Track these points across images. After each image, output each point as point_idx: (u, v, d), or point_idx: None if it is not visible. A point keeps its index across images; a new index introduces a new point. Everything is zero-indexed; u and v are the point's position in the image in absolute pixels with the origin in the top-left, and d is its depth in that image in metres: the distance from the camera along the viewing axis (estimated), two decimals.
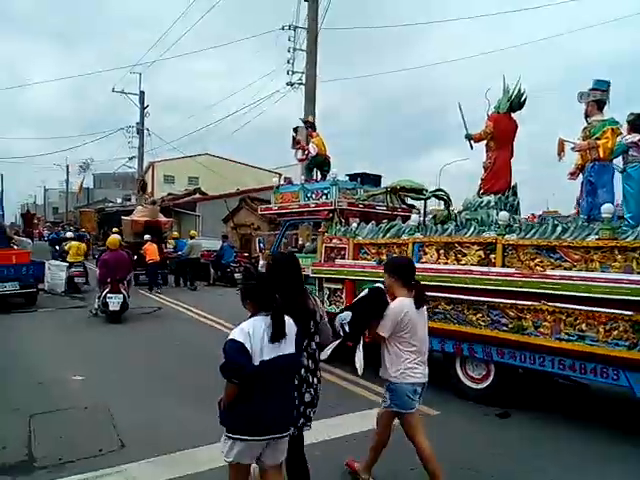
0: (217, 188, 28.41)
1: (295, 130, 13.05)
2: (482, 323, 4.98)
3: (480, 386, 5.25)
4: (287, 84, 14.98)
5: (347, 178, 8.04)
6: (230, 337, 2.51)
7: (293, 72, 14.78)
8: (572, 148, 5.10)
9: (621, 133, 4.81)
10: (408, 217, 6.81)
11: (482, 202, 5.86)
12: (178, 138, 56.33)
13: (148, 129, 25.79)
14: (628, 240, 4.13)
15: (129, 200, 27.32)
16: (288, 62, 14.85)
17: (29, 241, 14.70)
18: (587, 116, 4.97)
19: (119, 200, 22.18)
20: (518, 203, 5.94)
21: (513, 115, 5.86)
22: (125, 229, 15.68)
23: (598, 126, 4.83)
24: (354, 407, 4.99)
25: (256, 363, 2.46)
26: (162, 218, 16.25)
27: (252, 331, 2.50)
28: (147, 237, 13.68)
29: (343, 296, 6.44)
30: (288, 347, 2.59)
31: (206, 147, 28.84)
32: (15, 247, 11.69)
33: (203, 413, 4.44)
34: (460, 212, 6.03)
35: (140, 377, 6.08)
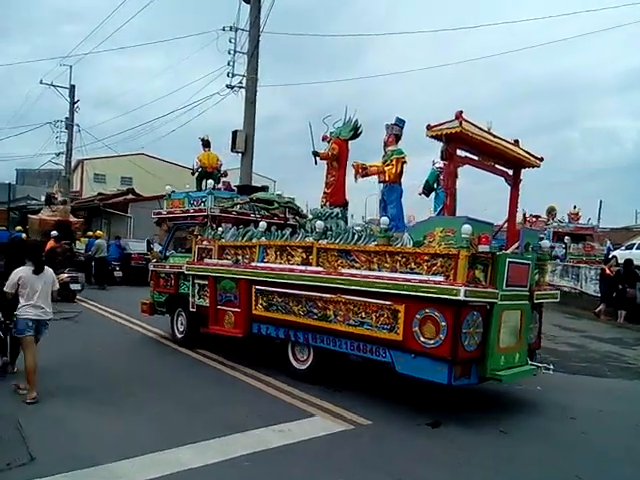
0: (152, 190, 28.72)
1: (234, 134, 14.01)
2: (301, 313, 6.20)
3: (304, 367, 6.46)
4: (227, 86, 15.03)
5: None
6: None
7: (233, 75, 14.87)
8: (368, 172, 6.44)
9: (405, 162, 6.19)
10: (294, 225, 8.03)
11: (332, 213, 7.06)
12: (111, 135, 55.26)
13: (78, 125, 26.01)
14: (396, 246, 5.45)
15: (54, 198, 27.35)
16: (229, 64, 14.90)
17: None
18: (385, 145, 6.32)
19: (43, 198, 22.29)
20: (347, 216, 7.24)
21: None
22: (32, 227, 16.29)
23: (389, 155, 6.18)
24: (286, 417, 5.08)
25: None
26: (73, 218, 16.88)
27: None
28: (53, 233, 14.16)
29: (208, 290, 7.55)
30: None
31: (141, 147, 29.13)
32: None
33: (123, 424, 4.68)
34: (310, 220, 7.21)
35: (56, 386, 5.71)
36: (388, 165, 6.10)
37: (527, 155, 6.28)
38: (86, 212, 28.12)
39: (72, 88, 26.19)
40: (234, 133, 13.72)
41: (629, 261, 13.97)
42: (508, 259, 5.31)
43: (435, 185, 6.70)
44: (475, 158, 5.85)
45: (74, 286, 12.68)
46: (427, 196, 6.72)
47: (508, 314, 5.40)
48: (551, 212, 27.32)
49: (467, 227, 4.88)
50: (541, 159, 6.44)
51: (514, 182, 6.47)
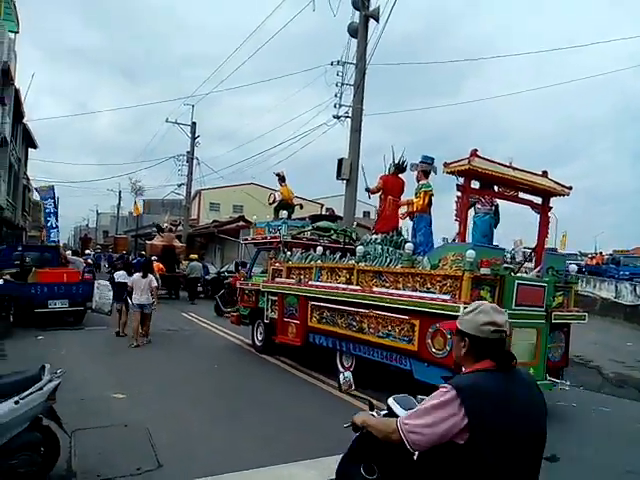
0: (261, 217, 31.65)
1: (340, 162, 15.56)
2: (344, 325, 7.44)
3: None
4: (334, 117, 16.11)
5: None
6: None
7: (340, 105, 15.83)
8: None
9: (432, 194, 7.19)
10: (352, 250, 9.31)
11: (373, 239, 8.31)
12: (226, 167, 61.76)
13: (198, 158, 29.64)
14: (416, 269, 6.51)
15: (176, 226, 31.46)
16: (336, 96, 15.97)
17: (82, 261, 18.29)
18: (418, 180, 7.37)
19: (166, 225, 26.08)
20: (402, 241, 8.28)
21: (401, 175, 8.35)
22: (147, 251, 19.96)
23: (418, 188, 7.24)
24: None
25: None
26: (177, 243, 20.41)
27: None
28: (153, 258, 17.35)
29: (277, 304, 9.11)
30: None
31: (252, 177, 32.38)
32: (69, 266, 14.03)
33: (238, 437, 5.10)
34: (357, 246, 8.47)
35: (179, 397, 6.59)
36: (417, 197, 7.19)
37: (553, 185, 6.96)
38: (203, 238, 31.87)
39: (193, 125, 30.08)
40: (339, 161, 14.76)
41: None
42: (517, 281, 6.10)
43: (473, 213, 7.58)
44: (496, 190, 6.74)
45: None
46: None
47: (519, 331, 6.14)
48: None
49: (471, 252, 5.82)
50: (570, 188, 7.07)
51: (542, 210, 7.16)
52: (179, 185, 29.56)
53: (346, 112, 15.85)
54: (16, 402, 3.67)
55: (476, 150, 6.32)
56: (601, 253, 37.11)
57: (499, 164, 6.54)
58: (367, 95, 15.45)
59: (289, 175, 11.82)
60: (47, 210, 24.38)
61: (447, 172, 6.42)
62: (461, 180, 6.51)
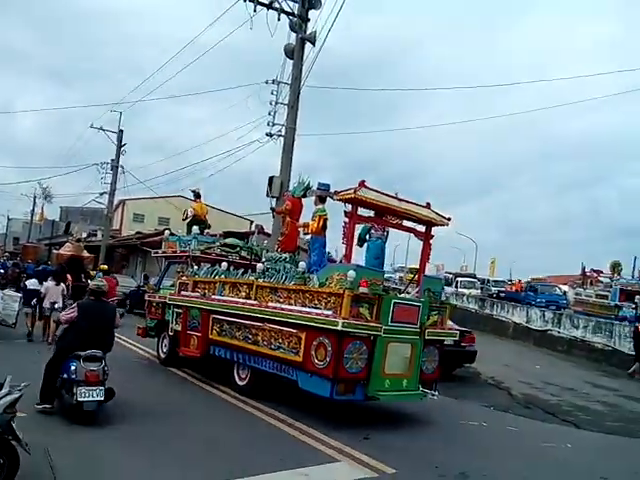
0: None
1: (270, 179, 15.89)
2: (241, 338, 7.91)
3: (244, 383, 8.12)
4: (267, 135, 16.37)
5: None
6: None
7: (273, 124, 16.19)
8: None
9: (327, 218, 7.90)
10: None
11: (281, 257, 8.83)
12: (154, 177, 61.51)
13: (123, 167, 29.25)
14: (306, 286, 7.13)
15: (95, 235, 30.64)
16: (269, 114, 16.30)
17: None
18: (315, 204, 8.07)
19: (84, 235, 25.37)
20: (299, 260, 8.92)
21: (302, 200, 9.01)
22: (54, 260, 20.14)
23: (315, 212, 7.95)
24: (309, 461, 5.22)
25: None
26: (85, 254, 20.98)
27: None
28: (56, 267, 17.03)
29: (182, 318, 9.44)
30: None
31: (181, 189, 32.07)
32: None
33: (150, 464, 4.78)
34: (264, 262, 9.00)
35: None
36: (313, 221, 7.86)
37: (434, 216, 7.86)
38: (124, 249, 31.27)
39: (120, 133, 29.67)
40: (270, 179, 15.09)
41: None
42: (393, 300, 6.86)
43: (367, 237, 8.34)
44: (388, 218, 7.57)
45: None
46: (360, 247, 8.33)
47: (395, 345, 6.89)
48: (616, 267, 26.72)
49: (351, 273, 6.51)
50: (449, 219, 7.99)
51: (425, 238, 8.04)
52: (101, 194, 28.96)
53: (279, 130, 16.07)
54: None
55: (364, 181, 7.08)
56: (519, 281, 39.82)
57: (385, 194, 7.34)
58: (303, 115, 15.80)
59: (221, 189, 12.33)
60: None
61: (337, 199, 7.13)
62: (349, 207, 7.24)
